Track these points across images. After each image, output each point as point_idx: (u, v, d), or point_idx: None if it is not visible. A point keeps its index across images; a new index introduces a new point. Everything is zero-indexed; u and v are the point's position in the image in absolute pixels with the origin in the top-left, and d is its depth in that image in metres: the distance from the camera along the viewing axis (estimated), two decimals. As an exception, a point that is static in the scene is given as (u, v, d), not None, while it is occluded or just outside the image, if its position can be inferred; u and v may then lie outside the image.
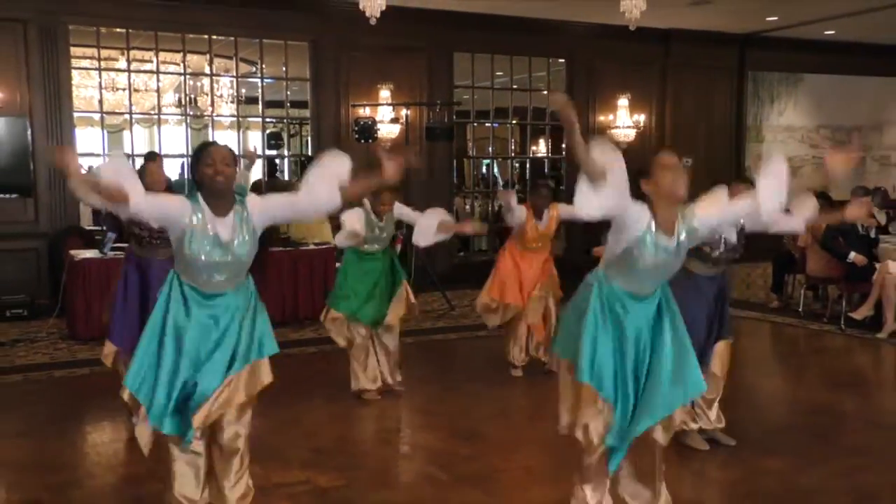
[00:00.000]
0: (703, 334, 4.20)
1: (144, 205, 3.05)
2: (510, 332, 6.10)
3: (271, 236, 3.28)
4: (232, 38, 9.59)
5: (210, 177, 3.09)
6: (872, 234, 7.88)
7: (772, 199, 3.12)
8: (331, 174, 3.20)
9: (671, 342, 3.17)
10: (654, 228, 3.08)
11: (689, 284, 4.16)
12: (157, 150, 8.82)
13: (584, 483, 3.27)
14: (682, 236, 3.14)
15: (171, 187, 5.01)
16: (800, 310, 8.46)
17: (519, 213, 5.83)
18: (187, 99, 10.77)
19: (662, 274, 3.20)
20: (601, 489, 3.29)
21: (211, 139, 10.65)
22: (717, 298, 4.34)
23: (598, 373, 3.13)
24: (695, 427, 4.35)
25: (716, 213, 3.19)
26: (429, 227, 5.30)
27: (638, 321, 3.19)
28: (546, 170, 12.49)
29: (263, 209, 3.23)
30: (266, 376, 3.33)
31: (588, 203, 2.93)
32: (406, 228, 8.96)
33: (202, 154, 3.14)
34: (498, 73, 11.22)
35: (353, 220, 5.16)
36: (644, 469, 3.32)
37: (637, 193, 3.07)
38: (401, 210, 5.41)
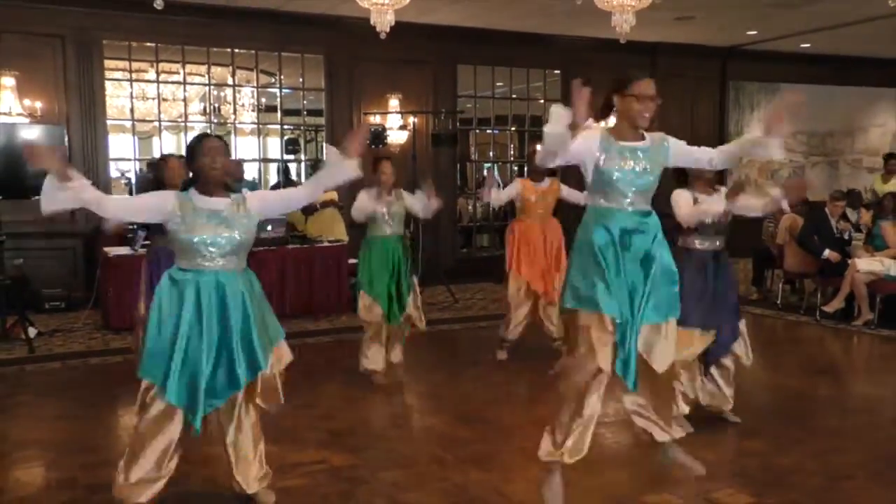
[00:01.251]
0: (700, 303, 4.16)
1: (117, 210, 3.16)
2: (508, 313, 5.99)
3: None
4: (253, 52, 9.57)
5: (207, 166, 3.08)
6: (846, 236, 7.85)
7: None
8: (338, 179, 3.19)
9: (660, 271, 3.11)
10: (613, 138, 3.11)
11: (686, 257, 4.22)
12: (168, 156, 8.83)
13: (565, 435, 3.18)
14: (649, 143, 3.15)
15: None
16: (778, 302, 8.43)
17: (511, 187, 5.79)
18: (212, 107, 10.75)
19: (643, 183, 3.12)
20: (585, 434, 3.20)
21: (233, 145, 10.66)
22: (718, 279, 4.27)
23: (602, 298, 3.03)
24: (685, 410, 4.32)
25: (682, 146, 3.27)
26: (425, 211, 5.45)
27: (636, 246, 3.09)
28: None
29: (261, 197, 3.24)
30: (277, 366, 3.27)
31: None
32: (413, 225, 8.97)
33: (198, 146, 3.12)
34: (498, 84, 11.18)
35: (364, 196, 5.28)
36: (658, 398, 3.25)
37: (608, 104, 3.13)
38: (409, 199, 5.48)
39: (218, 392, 3.13)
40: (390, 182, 5.35)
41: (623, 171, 3.10)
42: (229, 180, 3.21)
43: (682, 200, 4.17)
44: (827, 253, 7.41)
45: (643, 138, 3.19)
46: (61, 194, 2.91)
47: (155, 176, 4.78)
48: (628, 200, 3.12)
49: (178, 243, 3.12)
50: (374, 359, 5.37)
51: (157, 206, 3.14)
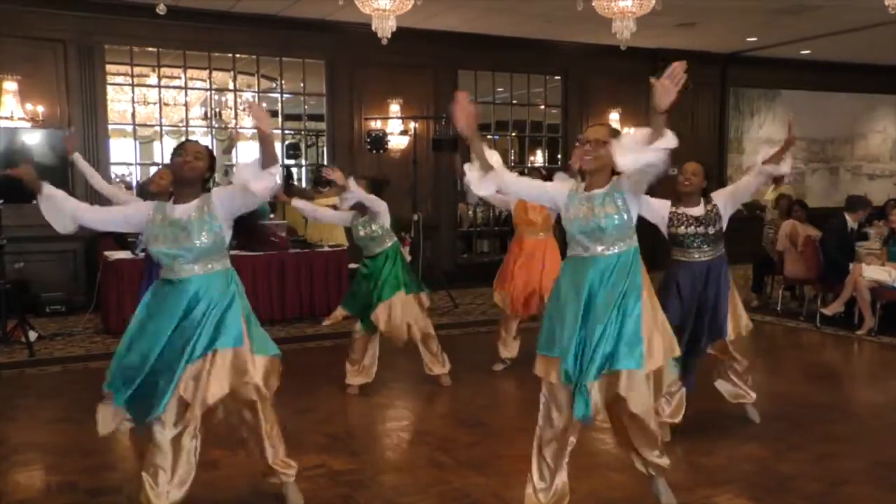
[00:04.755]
0: (684, 321, 4.13)
1: (93, 220, 3.30)
2: (501, 326, 6.00)
3: (253, 220, 3.21)
4: (254, 57, 9.60)
5: (179, 165, 3.14)
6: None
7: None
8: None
9: (628, 313, 3.03)
10: (578, 189, 3.17)
11: (671, 273, 4.29)
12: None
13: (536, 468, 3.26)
14: (609, 188, 3.15)
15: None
16: (778, 308, 8.44)
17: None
18: (213, 112, 10.78)
19: (598, 227, 3.08)
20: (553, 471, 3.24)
21: (234, 150, 10.68)
22: (707, 290, 4.22)
23: (549, 342, 3.13)
24: (668, 419, 4.30)
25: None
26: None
27: (591, 277, 3.06)
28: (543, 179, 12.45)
29: (225, 194, 3.14)
30: (256, 375, 3.12)
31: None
32: (414, 232, 8.98)
33: (178, 147, 3.20)
34: (499, 89, 11.21)
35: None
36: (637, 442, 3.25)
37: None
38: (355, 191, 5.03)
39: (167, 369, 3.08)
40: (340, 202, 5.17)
41: (577, 219, 3.12)
42: (207, 176, 3.22)
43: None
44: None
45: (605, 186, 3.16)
46: (44, 205, 3.19)
47: (144, 188, 4.90)
48: (583, 247, 3.13)
49: (152, 251, 3.19)
50: (352, 373, 5.37)
51: (132, 216, 3.24)
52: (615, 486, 3.76)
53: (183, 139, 10.02)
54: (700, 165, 4.32)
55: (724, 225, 4.29)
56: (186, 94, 9.84)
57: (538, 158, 13.45)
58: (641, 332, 3.03)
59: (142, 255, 7.13)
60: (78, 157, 5.18)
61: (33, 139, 7.16)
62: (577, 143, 3.18)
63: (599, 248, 3.10)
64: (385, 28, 5.79)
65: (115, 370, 3.19)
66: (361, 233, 5.15)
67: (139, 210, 3.25)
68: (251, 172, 3.02)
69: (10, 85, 7.87)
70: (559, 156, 11.68)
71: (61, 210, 3.25)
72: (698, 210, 4.27)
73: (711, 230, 4.25)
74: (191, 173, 3.13)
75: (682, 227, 4.28)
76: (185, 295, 3.08)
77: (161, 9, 5.24)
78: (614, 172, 3.15)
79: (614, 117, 11.27)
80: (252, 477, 3.58)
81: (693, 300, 4.20)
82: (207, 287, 3.10)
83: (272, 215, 9.25)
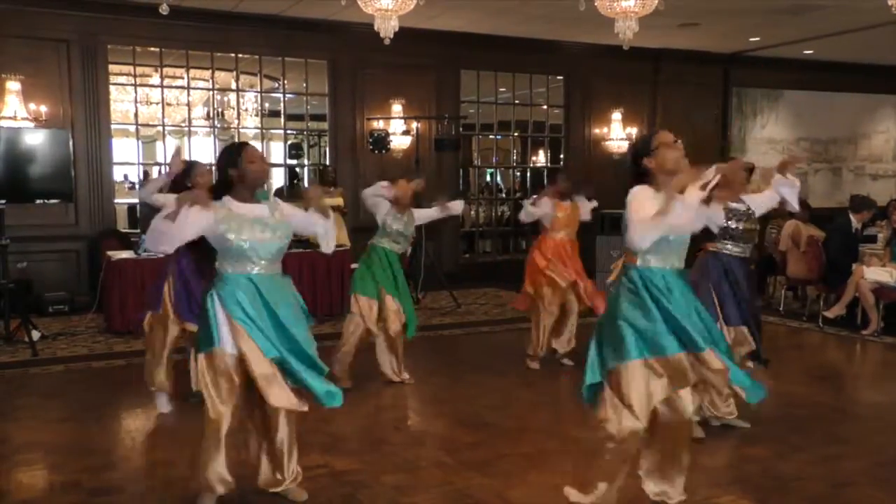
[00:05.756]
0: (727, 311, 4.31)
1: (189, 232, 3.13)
2: (534, 323, 6.02)
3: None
4: (257, 57, 9.61)
5: (256, 171, 3.19)
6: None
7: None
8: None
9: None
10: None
11: (714, 264, 4.37)
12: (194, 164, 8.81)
13: (605, 480, 3.15)
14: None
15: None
16: (781, 309, 8.43)
17: (544, 204, 5.83)
18: (215, 112, 10.79)
19: (685, 238, 3.17)
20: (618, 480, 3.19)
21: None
22: (744, 279, 4.41)
23: (650, 340, 2.99)
24: (696, 417, 4.34)
25: None
26: (430, 212, 5.66)
27: (678, 296, 3.06)
28: (545, 178, 12.45)
29: (291, 213, 3.38)
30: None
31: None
32: (416, 231, 8.98)
33: (243, 152, 3.21)
34: (501, 89, 11.21)
35: (381, 191, 5.36)
36: (667, 458, 3.23)
37: (637, 171, 3.10)
38: (419, 214, 5.55)
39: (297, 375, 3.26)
40: (409, 203, 5.41)
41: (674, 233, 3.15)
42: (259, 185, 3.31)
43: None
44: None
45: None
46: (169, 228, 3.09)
47: (181, 181, 4.80)
48: (676, 254, 3.16)
49: (227, 249, 3.20)
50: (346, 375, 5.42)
51: (207, 228, 3.17)
52: (622, 488, 3.75)
53: (184, 138, 10.10)
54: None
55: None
56: (189, 94, 9.85)
57: (540, 159, 13.47)
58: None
59: (144, 254, 7.15)
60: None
61: (36, 139, 7.17)
62: (661, 146, 3.08)
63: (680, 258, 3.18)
64: (387, 28, 5.78)
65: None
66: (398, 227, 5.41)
67: (209, 216, 3.15)
68: (326, 232, 3.48)
69: (14, 85, 7.88)
70: (561, 156, 11.68)
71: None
72: (743, 205, 4.39)
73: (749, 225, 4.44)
74: (265, 178, 3.27)
75: (733, 222, 4.37)
76: (269, 290, 3.24)
77: (164, 9, 5.23)
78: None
79: (616, 117, 11.26)
80: (252, 477, 3.58)
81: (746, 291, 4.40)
82: (283, 281, 3.37)
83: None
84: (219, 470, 3.29)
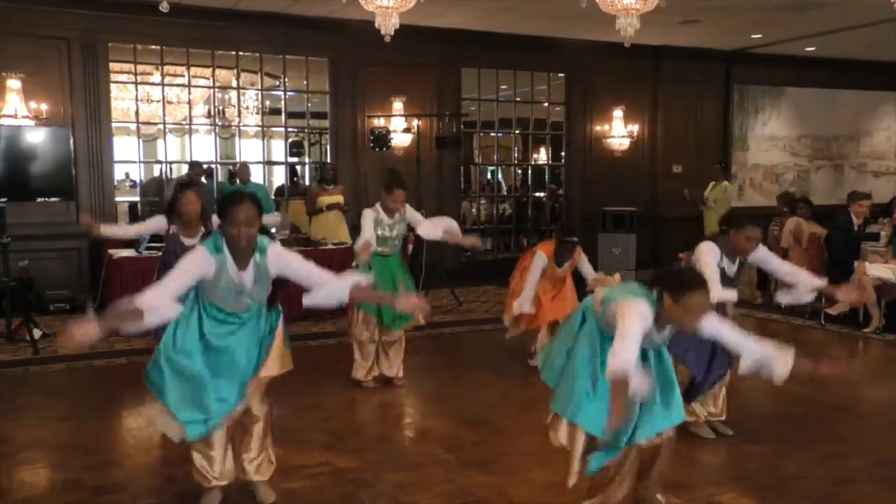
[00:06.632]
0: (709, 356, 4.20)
1: (173, 295, 3.03)
2: (532, 333, 6.03)
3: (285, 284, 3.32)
4: (257, 55, 9.60)
5: (234, 237, 3.09)
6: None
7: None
8: (346, 282, 3.25)
9: (657, 372, 3.15)
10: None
11: None
12: (198, 163, 8.81)
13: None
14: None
15: (205, 212, 4.93)
16: (782, 306, 8.41)
17: (540, 261, 5.75)
18: (216, 110, 10.79)
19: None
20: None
21: (237, 148, 10.68)
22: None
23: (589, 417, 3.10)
24: (703, 418, 4.36)
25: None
26: (434, 231, 5.45)
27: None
28: (546, 176, 12.46)
29: (284, 264, 3.21)
30: (273, 369, 3.37)
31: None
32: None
33: (228, 213, 3.08)
34: (502, 87, 11.19)
35: (366, 223, 5.22)
36: (645, 472, 3.28)
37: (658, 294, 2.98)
38: (413, 215, 5.45)
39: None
40: (397, 209, 5.34)
41: None
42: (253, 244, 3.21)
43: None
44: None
45: None
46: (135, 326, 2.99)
47: (171, 207, 4.96)
48: None
49: (209, 289, 3.23)
50: (366, 369, 5.45)
51: (200, 275, 3.15)
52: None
53: (186, 136, 10.10)
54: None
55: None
56: (190, 92, 9.84)
57: (541, 156, 13.46)
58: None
59: (145, 253, 7.16)
60: (104, 228, 5.29)
61: (37, 137, 7.16)
62: (690, 306, 2.95)
63: None
64: (388, 26, 5.78)
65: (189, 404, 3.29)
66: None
67: (206, 266, 3.12)
68: (331, 293, 3.22)
69: (14, 83, 7.88)
70: (562, 153, 11.68)
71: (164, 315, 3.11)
72: (733, 269, 4.26)
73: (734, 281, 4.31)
74: (246, 244, 3.12)
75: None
76: (232, 324, 3.30)
77: (164, 7, 5.23)
78: None
79: (617, 114, 11.25)
80: (275, 459, 3.59)
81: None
82: (254, 317, 3.34)
83: (275, 212, 9.26)
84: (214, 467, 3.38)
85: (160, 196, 8.93)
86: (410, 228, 5.59)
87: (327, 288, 3.20)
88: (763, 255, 4.18)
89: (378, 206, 5.33)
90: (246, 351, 3.29)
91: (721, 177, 10.43)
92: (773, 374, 3.17)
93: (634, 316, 2.91)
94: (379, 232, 5.30)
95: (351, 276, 3.33)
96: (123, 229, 5.19)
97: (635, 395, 2.89)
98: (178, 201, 4.93)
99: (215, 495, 3.42)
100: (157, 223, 5.19)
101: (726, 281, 4.20)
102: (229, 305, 3.25)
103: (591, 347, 3.17)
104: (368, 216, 5.29)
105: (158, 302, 2.96)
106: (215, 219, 4.19)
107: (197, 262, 3.10)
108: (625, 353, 2.83)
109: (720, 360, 4.24)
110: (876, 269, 7.27)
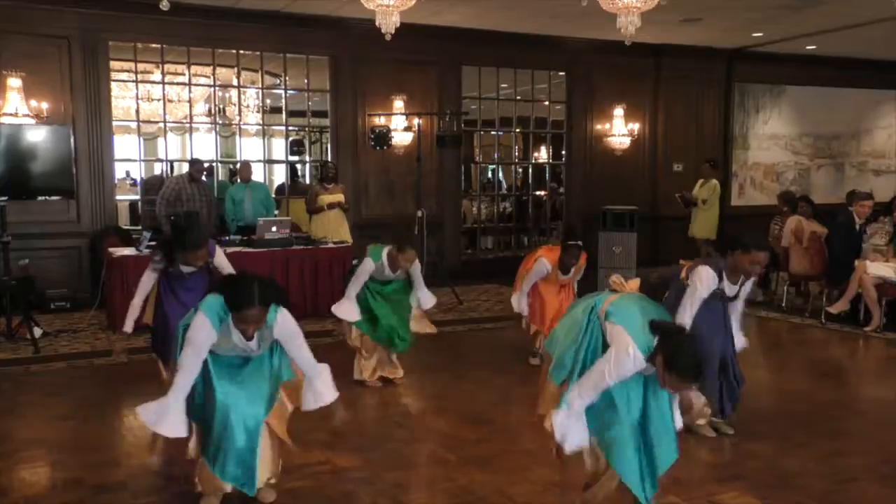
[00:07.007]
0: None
1: (196, 367, 3.22)
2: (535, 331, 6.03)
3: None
4: (258, 53, 9.60)
5: (243, 331, 3.20)
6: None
7: None
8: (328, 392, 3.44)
9: (654, 409, 3.13)
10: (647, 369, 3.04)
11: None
12: (199, 161, 8.66)
13: None
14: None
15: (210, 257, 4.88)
16: (783, 305, 8.42)
17: (541, 267, 5.73)
18: (217, 109, 10.79)
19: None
20: None
21: (238, 146, 10.68)
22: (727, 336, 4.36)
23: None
24: (704, 421, 4.36)
25: None
26: (431, 300, 5.56)
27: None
28: (547, 174, 12.45)
29: (286, 339, 3.36)
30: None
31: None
32: (418, 228, 8.97)
33: (240, 311, 3.13)
34: (503, 85, 11.19)
35: (360, 279, 5.26)
36: None
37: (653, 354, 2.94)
38: (416, 272, 5.41)
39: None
40: (407, 267, 5.30)
41: None
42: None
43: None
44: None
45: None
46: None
47: (175, 246, 4.76)
48: None
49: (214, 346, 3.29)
50: (369, 370, 5.47)
51: (209, 343, 3.23)
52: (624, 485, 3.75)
53: (186, 135, 10.10)
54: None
55: None
56: (190, 91, 9.84)
57: (542, 155, 13.46)
58: None
59: (146, 251, 7.15)
60: (129, 326, 4.95)
61: (37, 136, 7.16)
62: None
63: None
64: (389, 24, 5.77)
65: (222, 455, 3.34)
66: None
67: (210, 336, 3.20)
68: (320, 390, 3.44)
69: (15, 81, 7.87)
70: (563, 151, 11.67)
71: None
72: (734, 289, 4.25)
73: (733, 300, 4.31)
74: (252, 335, 3.25)
75: (714, 299, 4.20)
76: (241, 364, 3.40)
77: (165, 5, 5.22)
78: None
79: (618, 113, 11.24)
80: None
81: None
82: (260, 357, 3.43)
83: (276, 212, 9.26)
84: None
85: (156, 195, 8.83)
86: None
87: (313, 388, 3.43)
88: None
89: (385, 258, 5.23)
90: (255, 373, 3.37)
91: (710, 174, 10.31)
92: None
93: (618, 359, 2.93)
94: (380, 278, 5.30)
95: (326, 371, 3.50)
96: (137, 307, 4.98)
97: (562, 439, 2.99)
98: (188, 253, 4.70)
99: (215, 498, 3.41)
100: (151, 279, 4.87)
101: (724, 301, 4.21)
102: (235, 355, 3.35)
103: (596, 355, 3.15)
104: (366, 271, 5.23)
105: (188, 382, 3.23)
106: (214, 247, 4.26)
107: (204, 335, 3.20)
108: (579, 399, 2.99)
109: (728, 389, 4.29)
110: (876, 268, 7.26)
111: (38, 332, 6.71)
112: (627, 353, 2.91)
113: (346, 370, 5.59)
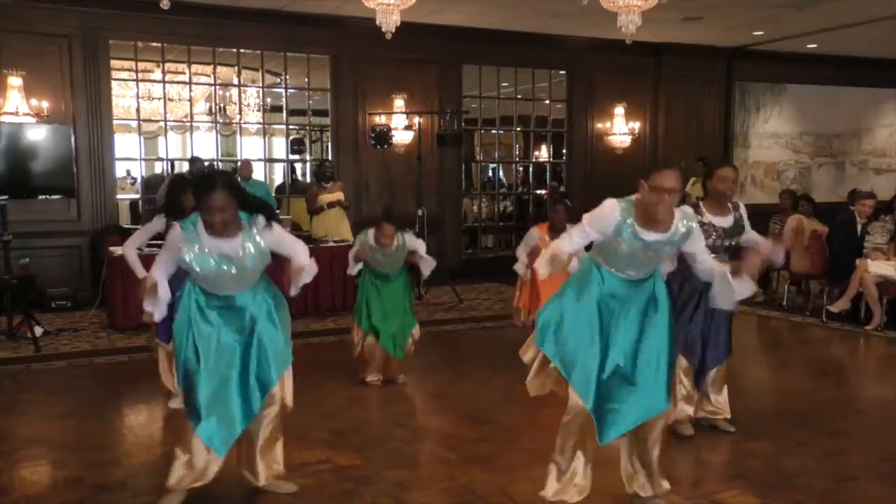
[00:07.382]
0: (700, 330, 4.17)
1: (163, 270, 3.31)
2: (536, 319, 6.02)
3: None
4: (258, 52, 9.60)
5: (207, 222, 3.17)
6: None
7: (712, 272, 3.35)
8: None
9: (655, 342, 3.16)
10: (633, 223, 3.08)
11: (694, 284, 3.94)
12: (199, 159, 8.72)
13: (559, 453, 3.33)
14: (666, 237, 3.13)
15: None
16: (784, 304, 8.41)
17: (529, 237, 5.73)
18: (217, 107, 10.79)
19: (645, 263, 3.17)
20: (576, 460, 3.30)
21: (239, 145, 10.68)
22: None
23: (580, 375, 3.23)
24: (687, 415, 4.33)
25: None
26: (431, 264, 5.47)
27: (628, 304, 3.19)
28: (548, 173, 12.45)
29: (279, 241, 3.46)
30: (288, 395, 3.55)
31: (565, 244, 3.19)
32: (418, 227, 8.97)
33: (200, 199, 3.16)
34: (503, 84, 11.18)
35: (362, 248, 5.32)
36: (641, 457, 3.33)
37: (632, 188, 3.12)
38: (412, 242, 5.38)
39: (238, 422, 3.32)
40: (390, 244, 5.29)
41: (625, 256, 3.20)
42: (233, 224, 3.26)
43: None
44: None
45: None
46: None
47: (171, 203, 4.86)
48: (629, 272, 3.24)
49: (192, 273, 3.27)
50: (374, 369, 5.46)
51: (175, 253, 3.25)
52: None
53: (187, 134, 10.11)
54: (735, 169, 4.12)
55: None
56: (191, 90, 9.84)
57: (542, 153, 13.45)
58: None
59: (147, 250, 7.13)
60: (128, 253, 5.05)
61: (38, 134, 7.16)
62: (651, 189, 3.01)
63: (639, 275, 3.23)
64: (389, 23, 5.78)
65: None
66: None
67: (176, 245, 3.24)
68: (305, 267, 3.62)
69: (15, 80, 7.87)
70: (564, 150, 11.66)
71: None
72: (728, 220, 4.08)
73: (734, 241, 4.07)
74: (221, 228, 3.19)
75: (710, 240, 3.90)
76: (229, 307, 3.36)
77: (165, 4, 5.23)
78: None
79: (619, 111, 11.24)
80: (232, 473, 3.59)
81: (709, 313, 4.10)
82: (248, 297, 3.43)
83: (277, 210, 9.24)
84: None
85: (156, 193, 8.87)
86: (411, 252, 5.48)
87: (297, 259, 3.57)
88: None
89: (371, 239, 5.28)
90: (235, 328, 3.33)
91: (702, 173, 10.31)
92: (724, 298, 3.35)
93: (596, 210, 3.12)
94: (377, 257, 5.30)
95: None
96: (134, 250, 4.99)
97: (538, 267, 3.19)
98: (180, 197, 4.85)
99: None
100: (158, 224, 5.06)
101: (723, 245, 4.03)
102: (221, 287, 3.28)
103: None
104: (359, 249, 5.33)
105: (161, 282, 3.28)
106: None
107: (175, 236, 3.24)
108: (560, 243, 3.17)
109: (712, 352, 4.24)
110: (877, 267, 7.26)
111: (38, 330, 6.71)
112: (605, 203, 3.08)
113: (347, 368, 5.60)
